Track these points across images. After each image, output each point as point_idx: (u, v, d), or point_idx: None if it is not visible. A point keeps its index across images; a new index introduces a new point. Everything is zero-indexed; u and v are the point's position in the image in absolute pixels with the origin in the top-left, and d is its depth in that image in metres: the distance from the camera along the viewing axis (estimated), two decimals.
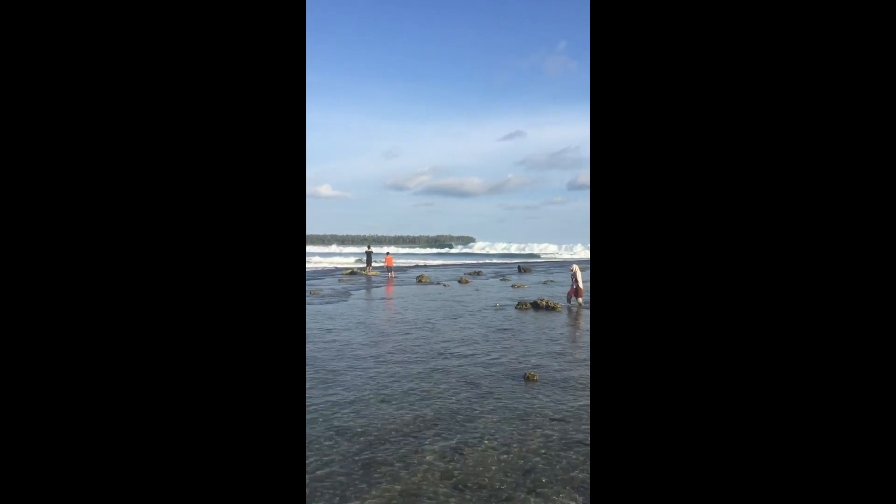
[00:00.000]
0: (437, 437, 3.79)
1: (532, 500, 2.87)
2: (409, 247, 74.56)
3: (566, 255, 63.99)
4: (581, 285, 11.47)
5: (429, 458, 3.43)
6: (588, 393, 4.75)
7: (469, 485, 3.05)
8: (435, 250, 71.25)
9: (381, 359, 6.33)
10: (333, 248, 68.64)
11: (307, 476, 3.13)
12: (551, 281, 18.61)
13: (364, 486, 3.04)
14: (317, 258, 39.48)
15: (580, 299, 11.43)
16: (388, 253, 22.95)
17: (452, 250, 70.08)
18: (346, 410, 4.39)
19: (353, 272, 23.21)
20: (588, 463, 3.28)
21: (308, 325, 8.72)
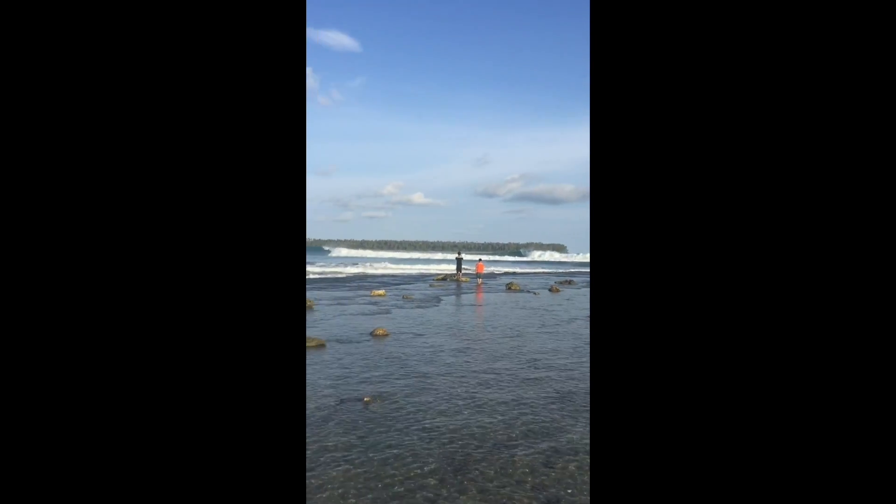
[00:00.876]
0: (528, 449, 3.72)
1: None
2: (486, 253, 74.61)
3: None
4: None
5: (520, 470, 3.37)
6: None
7: (561, 501, 2.95)
8: (509, 257, 70.73)
9: (472, 367, 6.35)
10: (416, 254, 70.42)
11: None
12: None
13: (456, 493, 3.05)
14: (417, 265, 40.59)
15: None
16: (479, 259, 23.07)
17: (524, 258, 69.22)
18: (439, 418, 4.45)
19: (443, 278, 23.60)
20: None
21: (399, 329, 8.98)
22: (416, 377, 5.71)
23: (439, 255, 64.06)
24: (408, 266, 38.87)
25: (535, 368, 6.21)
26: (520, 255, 75.40)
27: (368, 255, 64.34)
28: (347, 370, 6.00)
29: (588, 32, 1.36)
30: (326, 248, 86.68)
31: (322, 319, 10.10)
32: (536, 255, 70.47)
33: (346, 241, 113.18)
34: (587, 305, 13.44)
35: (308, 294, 14.86)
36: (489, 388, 5.33)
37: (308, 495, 2.98)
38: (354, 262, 42.72)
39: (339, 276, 26.51)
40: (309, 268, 32.19)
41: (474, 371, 6.05)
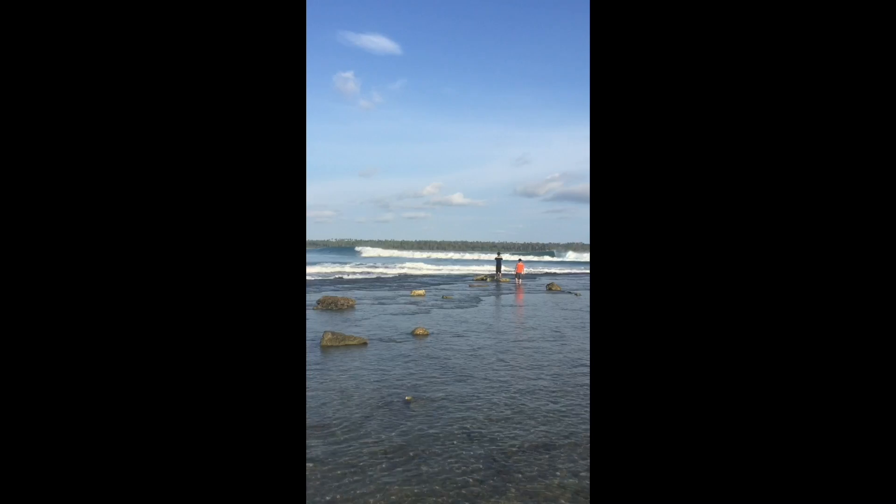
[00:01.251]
0: (570, 452, 3.67)
1: None
2: (526, 254, 73.77)
3: None
4: None
5: (559, 478, 3.34)
6: None
7: None
8: (547, 257, 69.72)
9: (513, 368, 6.31)
10: (451, 255, 70.33)
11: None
12: None
13: (496, 494, 3.05)
14: (455, 266, 40.70)
15: None
16: (519, 260, 22.91)
17: (558, 258, 68.02)
18: (480, 419, 4.45)
19: (483, 278, 23.57)
20: None
21: (439, 329, 9.02)
22: (456, 378, 5.73)
23: (479, 256, 63.87)
24: (447, 266, 38.97)
25: (574, 366, 6.12)
26: (552, 255, 74.33)
27: (404, 256, 64.64)
28: (389, 369, 6.09)
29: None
30: (357, 248, 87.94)
31: (364, 319, 10.27)
32: (572, 256, 69.38)
33: (378, 241, 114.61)
34: None
35: (349, 294, 15.14)
36: (531, 393, 5.29)
37: (349, 487, 3.05)
38: (382, 263, 42.89)
39: (383, 276, 26.86)
40: (342, 268, 32.72)
41: (516, 373, 6.01)
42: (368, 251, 79.46)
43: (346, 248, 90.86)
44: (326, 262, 38.85)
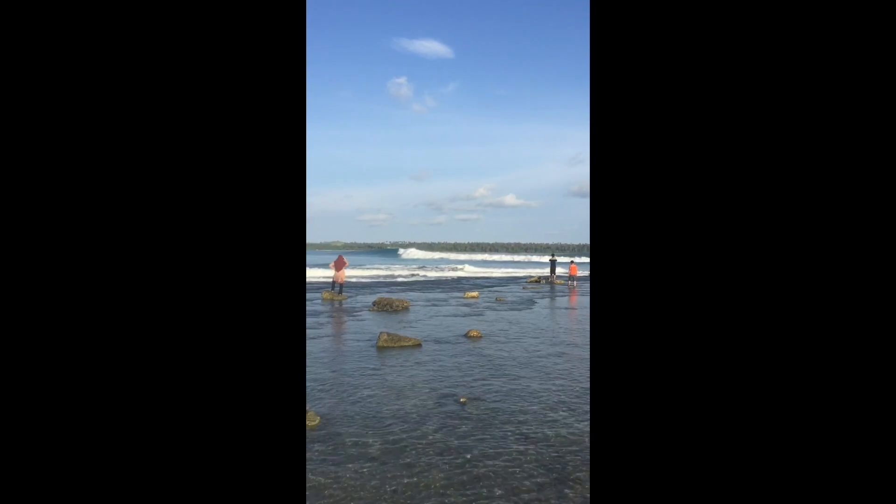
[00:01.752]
0: None
1: None
2: (581, 255, 71.81)
3: None
4: None
5: None
6: None
7: None
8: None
9: (568, 372, 6.20)
10: (503, 257, 69.52)
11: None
12: None
13: (555, 500, 3.00)
14: (508, 268, 40.38)
15: None
16: (573, 261, 22.46)
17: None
18: (534, 422, 4.40)
19: (537, 280, 23.30)
20: None
21: (493, 331, 8.99)
22: (510, 380, 5.69)
23: (532, 258, 62.96)
24: (499, 269, 38.73)
25: None
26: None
27: (451, 258, 64.39)
28: (443, 370, 6.12)
29: None
30: (399, 250, 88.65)
31: (418, 320, 10.39)
32: None
33: (428, 244, 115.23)
34: None
35: (403, 295, 15.35)
36: (587, 396, 5.17)
37: (406, 487, 3.08)
38: (423, 264, 42.70)
39: (439, 278, 27.07)
40: (392, 270, 33.16)
41: (571, 376, 5.90)
42: (413, 253, 79.98)
43: (389, 250, 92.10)
44: (380, 265, 39.53)
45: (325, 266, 22.74)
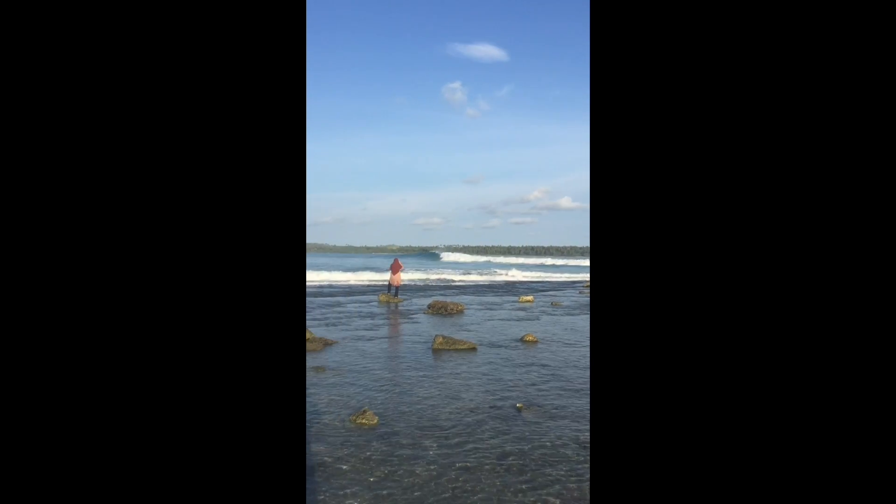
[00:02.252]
0: None
1: None
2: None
3: None
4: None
5: None
6: None
7: None
8: None
9: None
10: (548, 261, 68.09)
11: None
12: None
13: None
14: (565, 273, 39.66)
15: None
16: None
17: None
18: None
19: None
20: None
21: (549, 336, 8.84)
22: (568, 386, 5.56)
23: (582, 262, 61.41)
24: (556, 273, 38.05)
25: None
26: None
27: (495, 262, 63.47)
28: (499, 375, 6.07)
29: None
30: (441, 254, 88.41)
31: (472, 323, 10.37)
32: None
33: (461, 246, 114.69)
34: None
35: (457, 298, 15.39)
36: None
37: (462, 491, 3.07)
38: (466, 269, 42.07)
39: (492, 283, 27.02)
40: (428, 275, 33.25)
41: None
42: (455, 257, 79.58)
43: (429, 254, 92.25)
44: (434, 268, 39.80)
45: (381, 270, 23.12)
